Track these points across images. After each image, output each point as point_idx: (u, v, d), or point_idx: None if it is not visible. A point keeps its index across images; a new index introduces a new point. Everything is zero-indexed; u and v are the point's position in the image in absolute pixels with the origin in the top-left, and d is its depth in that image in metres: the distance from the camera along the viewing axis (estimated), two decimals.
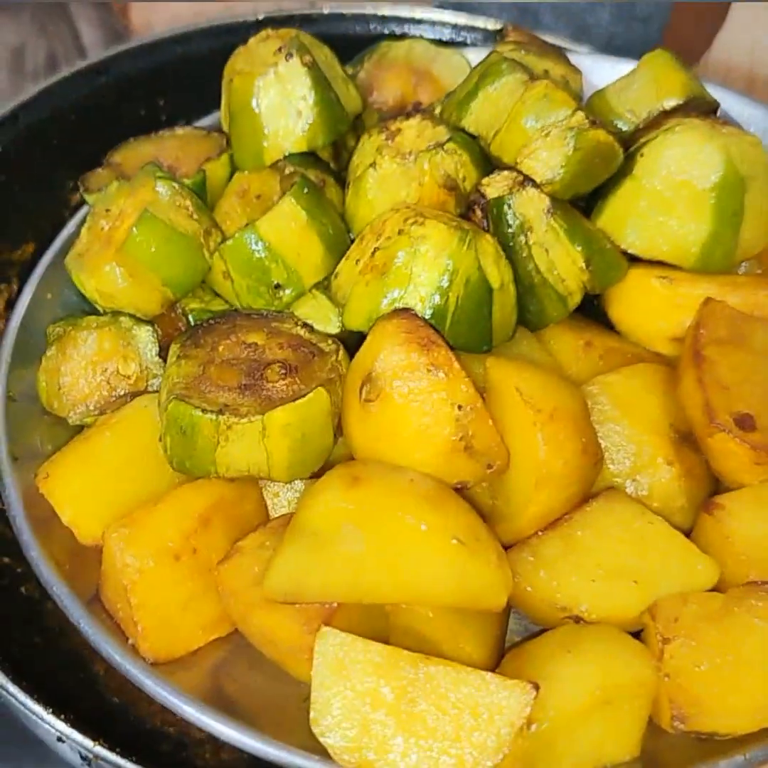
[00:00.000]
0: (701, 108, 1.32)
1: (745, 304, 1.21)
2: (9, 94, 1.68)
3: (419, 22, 1.67)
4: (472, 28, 1.70)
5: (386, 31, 1.71)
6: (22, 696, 1.03)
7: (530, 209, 1.19)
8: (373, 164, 1.25)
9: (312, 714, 0.92)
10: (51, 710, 1.03)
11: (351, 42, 1.52)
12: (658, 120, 1.29)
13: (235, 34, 1.37)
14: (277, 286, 1.22)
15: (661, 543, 1.06)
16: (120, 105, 1.46)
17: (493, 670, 1.00)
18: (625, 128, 1.31)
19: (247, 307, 1.23)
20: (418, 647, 0.95)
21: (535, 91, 1.20)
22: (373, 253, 1.16)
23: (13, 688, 1.04)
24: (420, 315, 1.11)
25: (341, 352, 1.14)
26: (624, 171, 1.25)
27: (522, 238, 1.19)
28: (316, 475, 1.11)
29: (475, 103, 1.25)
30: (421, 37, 1.57)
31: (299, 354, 1.13)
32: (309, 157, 1.33)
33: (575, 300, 1.23)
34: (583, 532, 1.06)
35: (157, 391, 1.21)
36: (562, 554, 1.05)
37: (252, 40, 1.36)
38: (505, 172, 1.23)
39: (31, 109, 1.57)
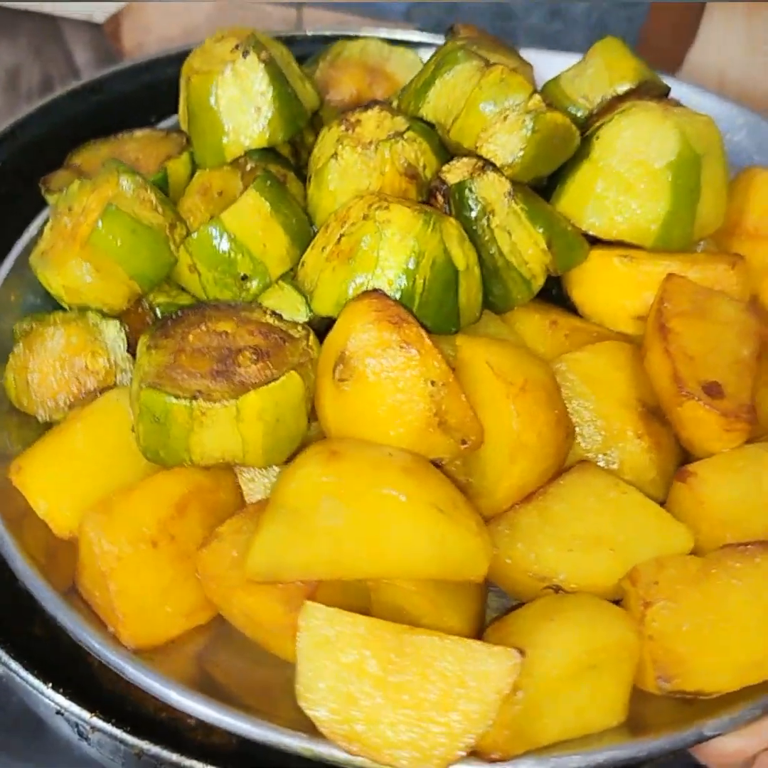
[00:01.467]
0: (653, 92, 1.34)
1: (704, 279, 1.23)
2: (4, 114, 1.73)
3: (405, 44, 1.63)
4: None
5: None
6: (23, 672, 1.06)
7: (491, 192, 1.21)
8: (334, 155, 1.26)
9: (298, 688, 0.91)
10: (50, 685, 1.05)
11: None
12: (612, 104, 1.31)
13: None
14: (244, 278, 1.22)
15: (636, 512, 1.07)
16: (115, 122, 1.49)
17: None
18: (579, 114, 1.33)
19: (215, 300, 1.23)
20: (400, 623, 0.95)
21: (491, 76, 1.21)
22: (338, 240, 1.17)
23: (14, 665, 1.07)
24: None
25: (311, 337, 1.14)
26: (581, 154, 1.27)
27: (484, 221, 1.21)
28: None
29: (432, 92, 1.27)
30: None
31: (270, 340, 1.13)
32: (269, 153, 1.34)
33: (539, 282, 1.24)
34: (558, 504, 1.07)
35: (128, 386, 1.21)
36: (539, 526, 1.06)
37: (208, 40, 1.36)
38: (465, 159, 1.25)
39: (28, 127, 1.60)
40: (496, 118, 1.21)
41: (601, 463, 1.14)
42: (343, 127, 1.28)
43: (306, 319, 1.21)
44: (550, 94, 1.35)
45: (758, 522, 1.06)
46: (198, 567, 1.04)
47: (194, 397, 1.06)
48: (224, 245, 1.21)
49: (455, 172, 1.24)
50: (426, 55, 1.52)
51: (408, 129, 1.26)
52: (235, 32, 1.35)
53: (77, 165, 1.37)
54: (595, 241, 1.28)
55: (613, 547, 1.05)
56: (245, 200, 1.22)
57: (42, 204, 1.40)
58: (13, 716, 1.20)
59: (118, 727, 1.03)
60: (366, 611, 1.03)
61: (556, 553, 1.04)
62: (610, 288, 1.26)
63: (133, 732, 1.03)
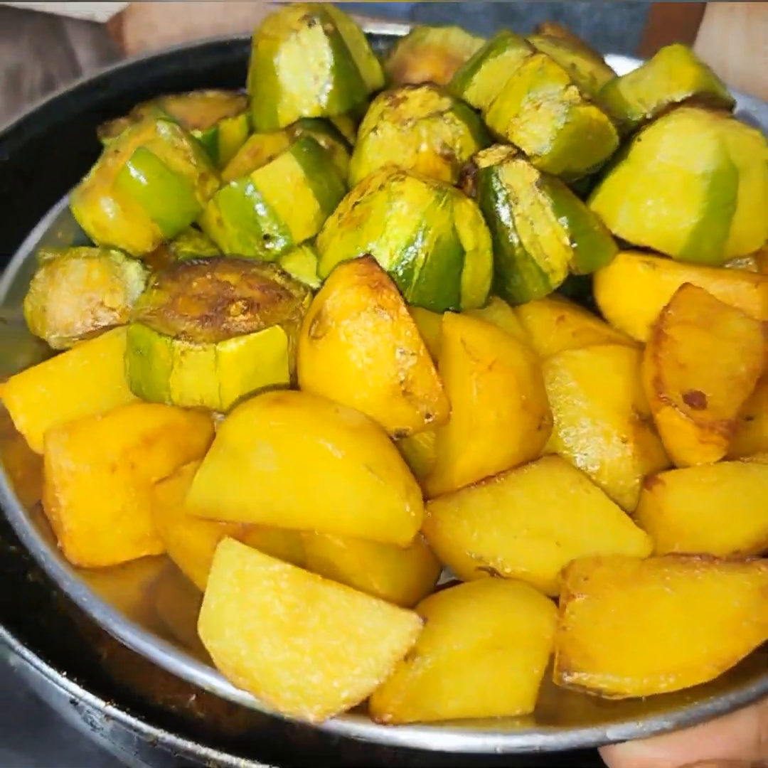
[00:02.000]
0: (714, 103, 1.30)
1: (725, 295, 1.20)
2: (6, 114, 1.76)
3: None
4: None
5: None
6: (38, 661, 1.08)
7: (518, 180, 1.20)
8: (374, 129, 1.28)
9: (201, 617, 0.93)
10: (65, 674, 1.07)
11: None
12: (666, 110, 1.29)
13: (226, 51, 1.42)
14: (266, 237, 1.25)
15: (595, 512, 1.05)
16: (120, 118, 1.51)
17: None
18: (634, 117, 1.31)
19: (234, 255, 1.26)
20: (330, 578, 0.96)
21: (532, 64, 1.21)
22: (353, 207, 1.19)
23: (29, 654, 1.09)
24: (387, 267, 1.13)
25: (308, 298, 1.16)
26: (621, 155, 1.25)
27: (507, 208, 1.21)
28: None
29: (477, 76, 1.28)
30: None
31: (266, 295, 1.16)
32: (323, 123, 1.37)
33: (558, 278, 1.23)
34: (515, 490, 1.06)
35: None
36: (490, 509, 1.04)
37: (283, 9, 1.41)
38: (503, 147, 1.24)
39: (32, 124, 1.63)
40: (530, 106, 1.20)
41: (581, 462, 1.12)
42: (387, 102, 1.30)
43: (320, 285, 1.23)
44: (608, 95, 1.34)
45: (716, 539, 1.02)
46: (152, 500, 1.07)
47: (177, 337, 1.09)
48: (250, 203, 1.24)
49: (489, 157, 1.24)
50: None
51: (449, 110, 1.27)
52: (308, 4, 1.39)
53: (141, 116, 1.43)
54: (630, 246, 1.26)
55: (559, 542, 1.03)
56: (279, 162, 1.25)
57: (44, 203, 1.45)
58: (21, 711, 1.25)
59: (133, 715, 1.05)
60: (302, 565, 1.04)
61: (499, 536, 1.03)
62: (631, 293, 1.24)
63: (148, 721, 1.04)
